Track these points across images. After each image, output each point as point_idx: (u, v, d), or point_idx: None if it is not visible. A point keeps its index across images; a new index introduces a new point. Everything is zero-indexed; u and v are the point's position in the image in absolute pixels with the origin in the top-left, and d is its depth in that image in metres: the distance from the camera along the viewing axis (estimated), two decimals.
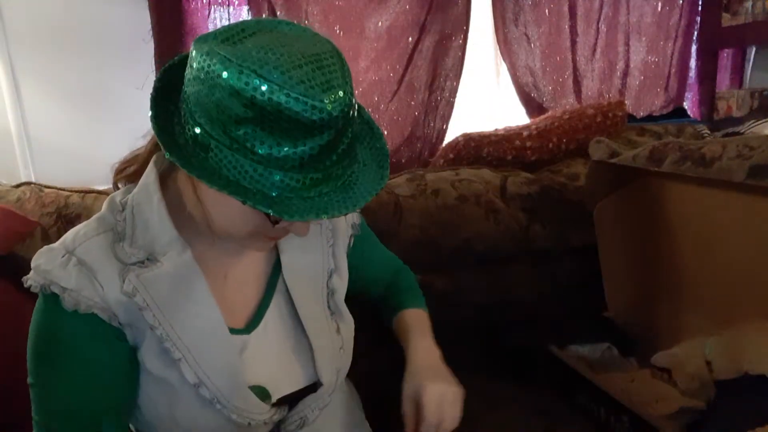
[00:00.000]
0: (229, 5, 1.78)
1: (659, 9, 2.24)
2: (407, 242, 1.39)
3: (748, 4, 2.22)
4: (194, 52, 0.58)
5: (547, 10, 2.09)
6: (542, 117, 1.79)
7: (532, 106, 2.10)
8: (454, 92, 1.99)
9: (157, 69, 1.62)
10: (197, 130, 0.59)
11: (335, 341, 0.80)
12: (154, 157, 0.72)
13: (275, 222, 0.65)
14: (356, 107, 0.62)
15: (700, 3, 2.30)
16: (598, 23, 2.17)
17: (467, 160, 1.64)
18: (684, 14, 2.28)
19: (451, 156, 1.67)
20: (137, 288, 0.66)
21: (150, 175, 0.71)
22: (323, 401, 0.80)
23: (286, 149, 0.56)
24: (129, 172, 0.75)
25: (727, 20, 2.26)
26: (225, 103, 0.56)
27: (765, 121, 1.74)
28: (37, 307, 0.68)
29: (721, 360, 1.14)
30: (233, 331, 0.73)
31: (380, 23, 1.91)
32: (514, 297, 1.47)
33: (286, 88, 0.54)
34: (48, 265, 0.66)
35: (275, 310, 0.78)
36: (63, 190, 1.36)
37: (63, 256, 0.66)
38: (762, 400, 0.97)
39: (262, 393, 0.74)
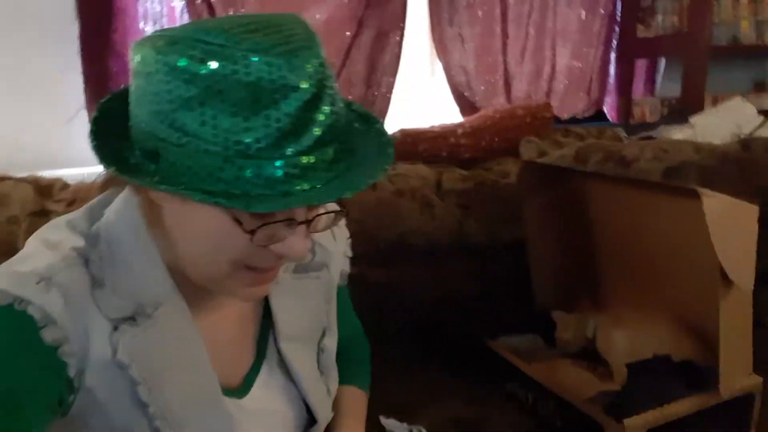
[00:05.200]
0: None
1: (583, 17, 2.37)
2: None
3: (659, 18, 2.39)
4: (132, 51, 0.51)
5: (480, 12, 2.16)
6: (476, 116, 1.86)
7: (465, 104, 2.17)
8: (390, 88, 2.01)
9: (82, 50, 1.53)
10: (141, 136, 0.50)
11: (328, 403, 0.74)
12: (128, 186, 0.59)
13: (253, 233, 0.50)
14: (334, 84, 0.52)
15: (618, 14, 2.46)
16: (527, 27, 2.26)
17: (403, 156, 1.67)
18: (604, 23, 2.42)
19: None
20: (133, 357, 0.54)
21: (131, 204, 0.57)
22: None
23: (244, 126, 0.47)
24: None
25: (641, 31, 2.43)
26: (164, 87, 0.47)
27: (674, 127, 1.89)
28: None
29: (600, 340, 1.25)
30: (226, 392, 0.63)
31: (317, 16, 1.90)
32: (451, 291, 1.51)
33: (234, 50, 0.46)
34: (18, 287, 0.51)
35: (267, 373, 0.69)
36: None
37: (38, 282, 0.52)
38: (668, 380, 1.06)
39: None
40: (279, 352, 0.69)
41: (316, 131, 0.49)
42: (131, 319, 0.55)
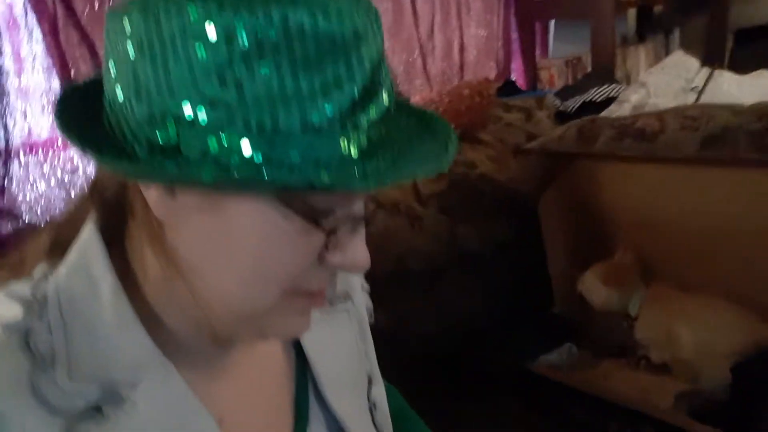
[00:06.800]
0: None
1: None
2: None
3: None
4: (126, 19, 0.36)
5: None
6: (423, 103, 1.64)
7: None
8: None
9: None
10: (145, 125, 0.37)
11: None
12: (92, 219, 0.44)
13: (334, 233, 0.40)
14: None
15: None
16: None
17: None
18: None
19: None
20: None
21: (91, 245, 0.43)
22: None
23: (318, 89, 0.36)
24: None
25: None
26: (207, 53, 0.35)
27: (618, 87, 1.85)
28: None
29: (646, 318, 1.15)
30: None
31: None
32: (455, 312, 1.30)
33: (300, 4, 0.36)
34: None
35: None
36: None
37: None
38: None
39: None
40: (325, 409, 0.54)
41: (385, 99, 0.39)
42: (95, 410, 0.40)
